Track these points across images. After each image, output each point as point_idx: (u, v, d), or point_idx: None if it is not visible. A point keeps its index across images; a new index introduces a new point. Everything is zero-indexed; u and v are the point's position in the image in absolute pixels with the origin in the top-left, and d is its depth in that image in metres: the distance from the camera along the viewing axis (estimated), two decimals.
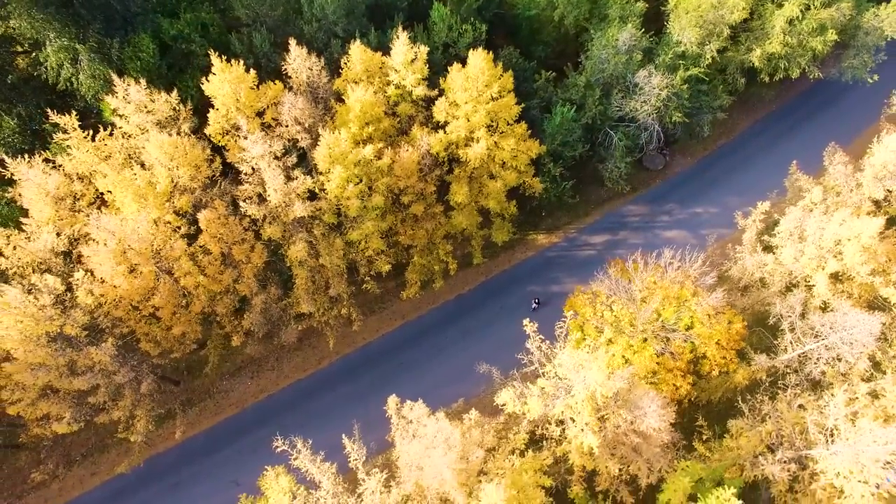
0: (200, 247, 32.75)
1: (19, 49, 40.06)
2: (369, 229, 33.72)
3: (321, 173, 33.81)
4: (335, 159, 32.44)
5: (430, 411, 27.98)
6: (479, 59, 33.47)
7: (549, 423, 28.91)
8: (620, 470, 27.62)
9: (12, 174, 34.18)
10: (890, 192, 37.65)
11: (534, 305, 46.02)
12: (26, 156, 34.80)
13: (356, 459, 27.23)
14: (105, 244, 29.44)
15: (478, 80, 33.75)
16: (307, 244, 33.31)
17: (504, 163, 37.43)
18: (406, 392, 32.51)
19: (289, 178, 32.80)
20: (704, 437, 35.00)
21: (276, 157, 32.86)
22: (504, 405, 27.51)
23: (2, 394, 28.49)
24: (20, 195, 34.01)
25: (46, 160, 35.53)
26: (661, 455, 28.13)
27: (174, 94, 36.07)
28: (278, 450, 28.29)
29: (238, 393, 43.98)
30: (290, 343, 39.13)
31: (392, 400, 29.79)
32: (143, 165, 34.03)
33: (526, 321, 29.44)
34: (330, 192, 33.03)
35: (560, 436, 28.28)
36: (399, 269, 43.38)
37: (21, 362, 27.65)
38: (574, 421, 26.48)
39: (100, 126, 36.64)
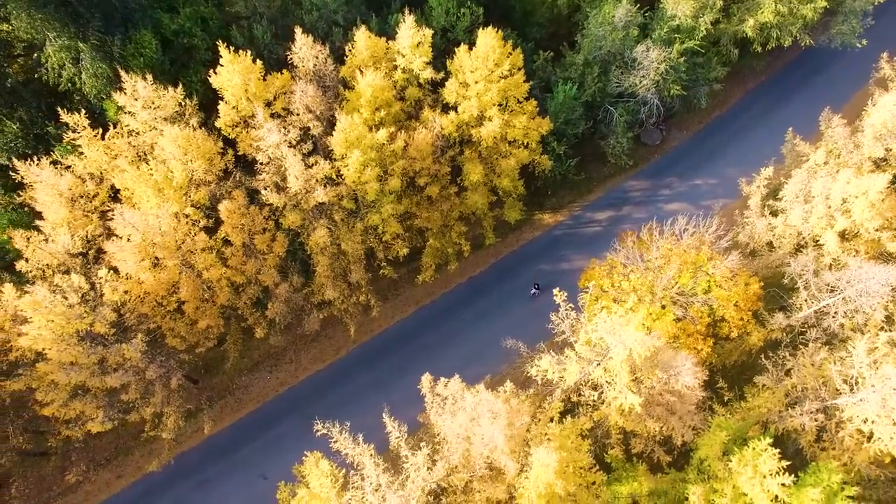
0: (222, 239, 32.68)
1: (16, 52, 39.34)
2: (389, 212, 33.87)
3: (336, 159, 33.87)
4: (351, 143, 32.52)
5: (466, 385, 28.33)
6: (489, 37, 33.71)
7: (583, 390, 29.43)
8: (658, 430, 28.23)
9: (22, 178, 33.80)
10: (889, 150, 38.69)
11: (533, 291, 46.32)
12: (34, 159, 34.39)
13: (398, 437, 27.46)
14: (129, 239, 29.25)
15: (488, 59, 34.00)
16: (328, 230, 33.37)
17: (515, 141, 37.81)
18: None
19: (307, 166, 32.79)
20: (726, 399, 35.85)
21: (292, 145, 32.83)
22: (542, 373, 27.94)
23: (36, 395, 28.26)
24: (32, 198, 33.60)
25: (54, 162, 35.16)
26: (694, 413, 28.84)
27: (179, 89, 35.85)
28: (318, 433, 28.39)
29: (258, 388, 43.91)
30: (312, 332, 39.18)
31: (426, 378, 30.02)
32: (153, 161, 33.72)
33: (556, 290, 29.87)
34: (348, 177, 33.10)
35: (596, 400, 28.82)
36: (411, 256, 43.57)
37: (54, 361, 27.41)
38: (612, 383, 27.03)
39: (109, 125, 36.35)
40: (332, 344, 44.96)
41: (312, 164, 32.40)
